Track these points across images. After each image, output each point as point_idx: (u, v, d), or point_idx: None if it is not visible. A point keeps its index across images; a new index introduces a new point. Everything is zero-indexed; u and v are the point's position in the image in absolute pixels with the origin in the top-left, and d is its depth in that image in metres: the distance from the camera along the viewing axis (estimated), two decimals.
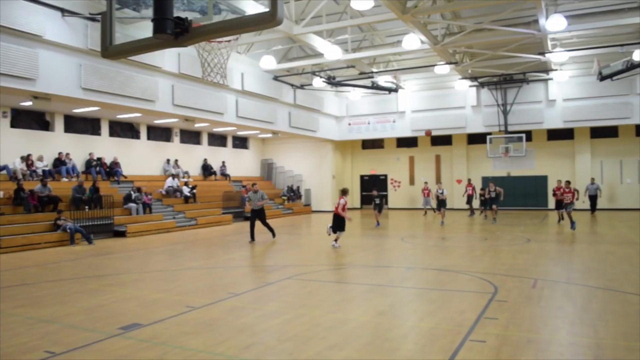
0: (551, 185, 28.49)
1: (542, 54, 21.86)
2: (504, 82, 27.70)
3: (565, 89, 27.10)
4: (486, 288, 8.72)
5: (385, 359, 5.39)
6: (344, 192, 14.64)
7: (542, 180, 29.62)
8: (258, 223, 16.32)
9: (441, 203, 22.03)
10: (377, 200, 21.55)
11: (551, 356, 5.46)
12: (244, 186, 28.30)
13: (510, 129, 28.02)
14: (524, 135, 27.40)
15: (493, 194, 22.23)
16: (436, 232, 18.75)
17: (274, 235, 16.65)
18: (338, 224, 14.24)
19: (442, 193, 22.14)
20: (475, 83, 28.00)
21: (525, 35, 19.44)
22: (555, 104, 27.41)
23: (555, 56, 22.46)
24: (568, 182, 19.62)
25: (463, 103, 29.29)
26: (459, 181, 30.87)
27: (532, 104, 27.93)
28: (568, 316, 6.93)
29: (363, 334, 6.26)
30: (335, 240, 14.36)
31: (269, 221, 16.78)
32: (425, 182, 28.69)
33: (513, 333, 6.14)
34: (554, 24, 17.50)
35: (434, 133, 30.23)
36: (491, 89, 28.36)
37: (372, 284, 9.51)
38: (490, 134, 28.63)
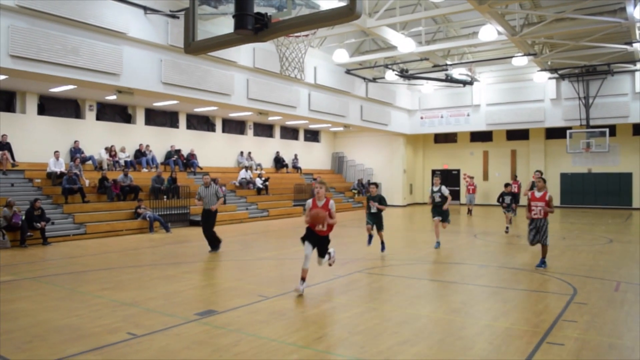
0: (637, 182, 26.96)
1: (629, 43, 20.59)
2: (587, 73, 26.28)
3: None
4: (564, 289, 8.38)
5: (459, 358, 5.31)
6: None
7: (627, 177, 27.96)
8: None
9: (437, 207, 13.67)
10: (374, 209, 12.40)
11: None
12: (314, 179, 28.56)
13: (592, 123, 26.59)
14: (607, 130, 25.93)
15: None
16: (511, 229, 18.16)
17: (213, 248, 13.06)
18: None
19: (432, 192, 13.96)
20: (555, 75, 26.78)
21: (611, 24, 18.39)
22: None
23: None
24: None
25: (542, 96, 28.12)
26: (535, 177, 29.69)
27: (617, 97, 26.39)
28: None
29: (435, 331, 6.19)
30: (329, 264, 8.95)
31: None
32: (471, 177, 26.27)
33: (593, 337, 5.88)
34: None
35: (509, 127, 29.28)
36: (572, 81, 27.02)
37: (444, 280, 9.36)
38: (570, 128, 27.36)
